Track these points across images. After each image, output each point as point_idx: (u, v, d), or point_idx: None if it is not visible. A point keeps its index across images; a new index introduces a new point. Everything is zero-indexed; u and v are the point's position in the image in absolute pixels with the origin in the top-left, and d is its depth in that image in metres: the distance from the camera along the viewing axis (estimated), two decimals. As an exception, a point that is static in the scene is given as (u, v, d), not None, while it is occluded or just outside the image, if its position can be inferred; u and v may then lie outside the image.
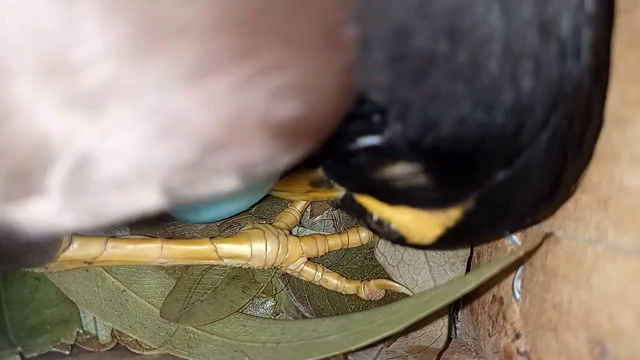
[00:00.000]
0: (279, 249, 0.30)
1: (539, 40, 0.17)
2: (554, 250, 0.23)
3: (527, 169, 0.19)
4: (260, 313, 0.32)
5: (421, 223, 0.22)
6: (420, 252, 0.31)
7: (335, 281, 0.32)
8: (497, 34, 0.17)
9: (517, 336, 0.26)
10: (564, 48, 0.17)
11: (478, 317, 0.30)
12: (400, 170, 0.20)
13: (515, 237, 0.26)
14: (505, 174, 0.19)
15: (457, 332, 0.33)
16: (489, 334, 0.29)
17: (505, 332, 0.27)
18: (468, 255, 0.31)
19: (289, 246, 0.31)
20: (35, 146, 0.12)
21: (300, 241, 0.31)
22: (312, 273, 0.32)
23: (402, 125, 0.18)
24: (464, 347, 0.31)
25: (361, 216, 0.24)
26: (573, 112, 0.19)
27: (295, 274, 0.32)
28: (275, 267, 0.32)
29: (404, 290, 0.31)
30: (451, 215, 0.21)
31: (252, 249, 0.30)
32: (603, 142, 0.21)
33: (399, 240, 0.24)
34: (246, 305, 0.31)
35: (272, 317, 0.32)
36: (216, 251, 0.30)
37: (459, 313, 0.33)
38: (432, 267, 0.31)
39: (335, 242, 0.33)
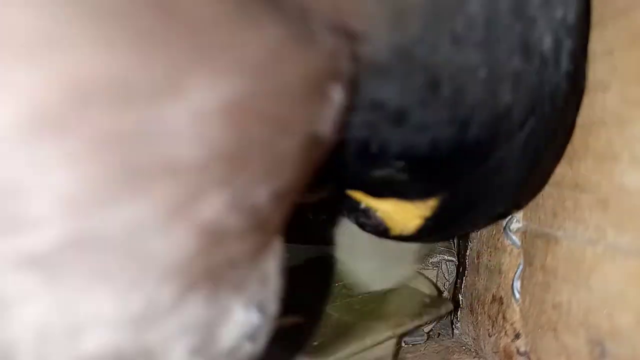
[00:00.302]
0: None
1: (522, 60, 0.18)
2: (554, 250, 0.23)
3: (501, 164, 0.20)
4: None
5: (403, 214, 0.23)
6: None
7: None
8: (482, 66, 0.17)
9: (517, 336, 0.26)
10: (545, 61, 0.18)
11: (478, 317, 0.30)
12: (384, 172, 0.21)
13: (515, 237, 0.26)
14: (480, 169, 0.20)
15: (457, 332, 0.33)
16: (489, 334, 0.28)
17: (505, 332, 0.27)
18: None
19: None
20: None
21: None
22: None
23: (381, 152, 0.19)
24: (464, 347, 0.31)
25: (351, 211, 0.25)
26: (550, 113, 0.19)
27: None
28: None
29: None
30: (430, 205, 0.22)
31: None
32: (603, 142, 0.20)
33: (384, 231, 0.25)
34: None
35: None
36: None
37: (459, 313, 0.33)
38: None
39: None
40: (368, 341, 0.29)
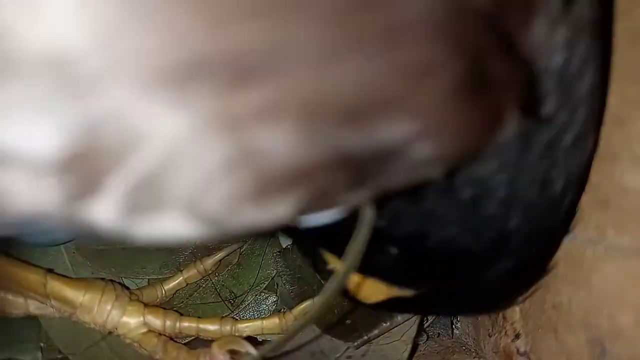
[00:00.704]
0: (111, 306, 0.27)
1: (538, 194, 0.19)
2: (554, 250, 0.23)
3: (493, 278, 0.21)
4: (263, 309, 0.32)
5: (372, 288, 0.23)
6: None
7: (174, 352, 0.28)
8: (504, 187, 0.18)
9: (517, 336, 0.25)
10: (553, 200, 0.19)
11: (478, 317, 0.30)
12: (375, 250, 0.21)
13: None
14: (467, 280, 0.21)
15: (457, 332, 0.33)
16: (489, 334, 0.28)
17: (505, 332, 0.26)
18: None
19: (128, 308, 0.28)
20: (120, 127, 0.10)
21: (144, 309, 0.28)
22: (153, 343, 0.28)
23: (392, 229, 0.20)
24: (464, 347, 0.31)
25: (315, 262, 0.25)
26: (545, 244, 0.21)
27: (135, 343, 0.29)
28: (109, 329, 0.28)
29: (252, 350, 0.27)
30: (404, 292, 0.22)
31: (83, 299, 0.27)
32: (603, 142, 0.20)
33: (342, 291, 0.24)
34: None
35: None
36: (45, 286, 0.27)
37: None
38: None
39: (191, 324, 0.29)
40: (399, 317, 0.29)
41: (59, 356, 0.29)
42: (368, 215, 0.16)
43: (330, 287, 0.17)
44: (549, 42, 0.16)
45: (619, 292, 0.19)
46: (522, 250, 0.20)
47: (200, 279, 0.32)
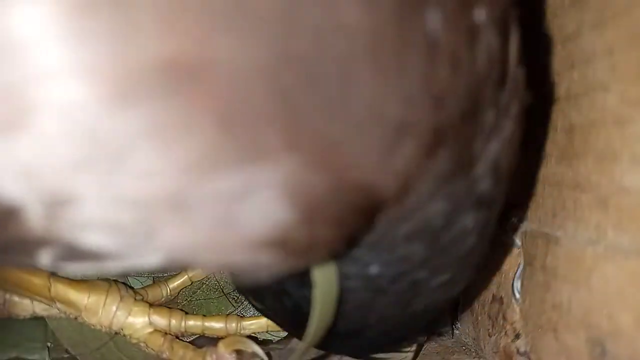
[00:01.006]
0: (116, 308, 0.27)
1: (398, 312, 0.21)
2: (554, 250, 0.22)
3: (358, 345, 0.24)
4: (261, 309, 0.32)
5: None
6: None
7: (180, 351, 0.28)
8: (367, 302, 0.21)
9: (517, 336, 0.25)
10: (413, 316, 0.22)
11: (478, 317, 0.29)
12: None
13: (515, 237, 0.26)
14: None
15: (457, 332, 0.33)
16: (489, 334, 0.28)
17: (505, 332, 0.26)
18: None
19: (133, 309, 0.28)
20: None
21: (149, 309, 0.28)
22: (159, 343, 0.28)
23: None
24: (464, 347, 0.31)
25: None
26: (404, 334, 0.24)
27: (141, 343, 0.29)
28: (114, 330, 0.28)
29: (258, 350, 0.27)
30: None
31: (88, 301, 0.27)
32: (603, 142, 0.20)
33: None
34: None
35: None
36: (49, 289, 0.27)
37: (459, 313, 0.33)
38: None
39: (196, 323, 0.29)
40: None
41: (66, 356, 0.29)
42: (321, 290, 0.18)
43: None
44: (428, 209, 0.17)
45: (619, 292, 0.19)
46: (379, 337, 0.23)
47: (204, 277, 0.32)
